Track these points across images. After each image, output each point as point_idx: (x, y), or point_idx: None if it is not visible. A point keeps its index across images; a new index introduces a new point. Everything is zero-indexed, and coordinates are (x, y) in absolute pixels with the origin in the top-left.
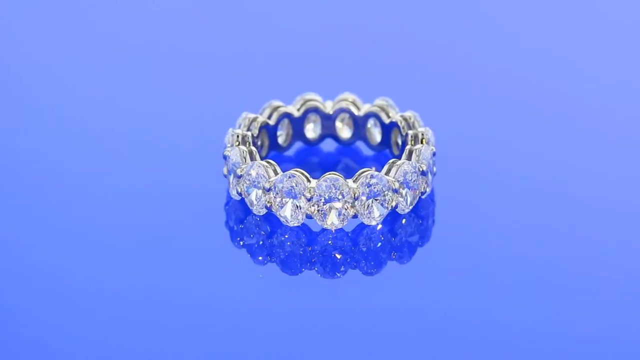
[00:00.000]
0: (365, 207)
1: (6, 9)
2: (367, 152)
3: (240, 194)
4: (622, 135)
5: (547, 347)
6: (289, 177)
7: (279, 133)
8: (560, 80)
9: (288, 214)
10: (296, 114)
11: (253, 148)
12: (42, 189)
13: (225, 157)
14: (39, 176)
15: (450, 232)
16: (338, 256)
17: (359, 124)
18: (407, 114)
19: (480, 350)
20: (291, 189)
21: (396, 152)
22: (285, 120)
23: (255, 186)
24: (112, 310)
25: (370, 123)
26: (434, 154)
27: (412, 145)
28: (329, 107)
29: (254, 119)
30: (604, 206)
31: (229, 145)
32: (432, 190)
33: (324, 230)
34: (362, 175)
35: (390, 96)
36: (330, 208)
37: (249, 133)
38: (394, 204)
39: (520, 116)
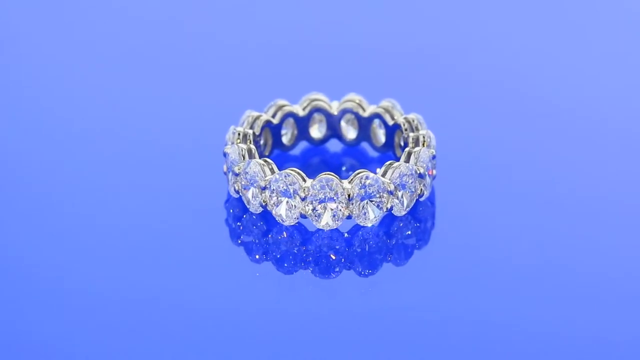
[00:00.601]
0: (360, 208)
1: (6, 9)
2: (372, 153)
3: (238, 192)
4: (624, 140)
5: (546, 352)
6: (284, 176)
7: (283, 132)
8: (563, 85)
9: (283, 212)
10: (301, 113)
11: (252, 146)
12: (40, 183)
13: (225, 155)
14: (37, 173)
15: (448, 235)
16: (333, 257)
17: (363, 125)
18: (411, 116)
19: (478, 351)
20: (286, 188)
21: (399, 154)
22: (290, 120)
23: (251, 184)
24: (111, 308)
25: (375, 124)
26: (433, 157)
27: (412, 147)
28: (334, 108)
29: (257, 118)
30: (606, 210)
31: (229, 142)
32: (432, 193)
33: (319, 230)
34: (357, 176)
35: (399, 98)
36: (325, 208)
37: (251, 131)
38: (389, 206)
39: (524, 121)
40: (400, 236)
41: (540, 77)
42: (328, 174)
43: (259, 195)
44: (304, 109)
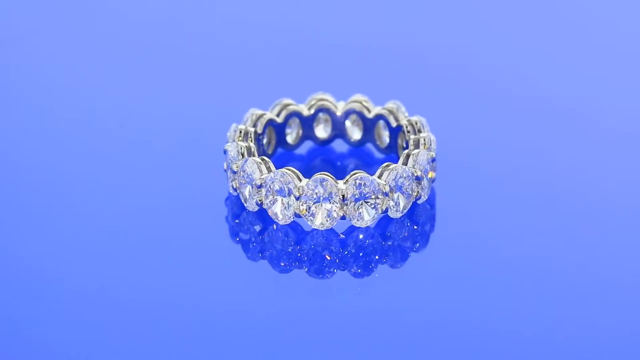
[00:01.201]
0: (355, 209)
1: (6, 9)
2: (378, 154)
3: (236, 190)
4: (625, 144)
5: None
6: (280, 175)
7: (288, 131)
8: (567, 90)
9: (278, 211)
10: (306, 112)
11: (252, 144)
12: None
13: (225, 152)
14: (36, 170)
15: (447, 238)
16: (328, 257)
17: (368, 126)
18: (414, 118)
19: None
20: (281, 187)
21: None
22: (295, 119)
23: (248, 182)
24: (111, 305)
25: (380, 126)
26: (433, 160)
27: (412, 149)
28: (340, 108)
29: (261, 116)
30: (608, 213)
31: (230, 140)
32: (432, 196)
33: (315, 229)
34: (352, 177)
35: (407, 99)
36: (319, 208)
37: (253, 129)
38: (384, 207)
39: (530, 125)
40: (396, 238)
41: (544, 81)
42: (323, 174)
43: (255, 194)
44: (309, 109)
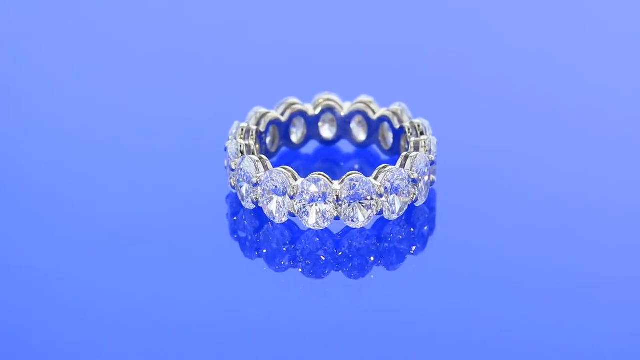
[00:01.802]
0: (350, 209)
1: (6, 9)
2: (383, 156)
3: (234, 187)
4: (625, 147)
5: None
6: (275, 174)
7: (293, 130)
8: (570, 96)
9: (273, 210)
10: (311, 112)
11: (251, 142)
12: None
13: (225, 149)
14: (36, 168)
15: (446, 240)
16: (323, 257)
17: (373, 128)
18: (417, 121)
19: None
20: (276, 186)
21: None
22: (301, 118)
23: (245, 180)
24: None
25: (384, 127)
26: (432, 163)
27: (411, 152)
28: (345, 109)
29: (264, 114)
30: (611, 220)
31: (231, 137)
32: (432, 199)
33: (310, 229)
34: (347, 177)
35: (414, 102)
36: (313, 208)
37: (255, 127)
38: (379, 209)
39: (532, 131)
40: (393, 240)
41: (548, 87)
42: (318, 174)
43: (252, 192)
44: (315, 108)
